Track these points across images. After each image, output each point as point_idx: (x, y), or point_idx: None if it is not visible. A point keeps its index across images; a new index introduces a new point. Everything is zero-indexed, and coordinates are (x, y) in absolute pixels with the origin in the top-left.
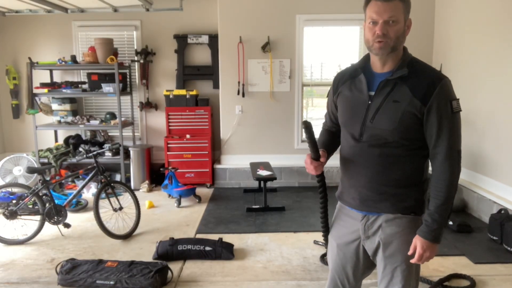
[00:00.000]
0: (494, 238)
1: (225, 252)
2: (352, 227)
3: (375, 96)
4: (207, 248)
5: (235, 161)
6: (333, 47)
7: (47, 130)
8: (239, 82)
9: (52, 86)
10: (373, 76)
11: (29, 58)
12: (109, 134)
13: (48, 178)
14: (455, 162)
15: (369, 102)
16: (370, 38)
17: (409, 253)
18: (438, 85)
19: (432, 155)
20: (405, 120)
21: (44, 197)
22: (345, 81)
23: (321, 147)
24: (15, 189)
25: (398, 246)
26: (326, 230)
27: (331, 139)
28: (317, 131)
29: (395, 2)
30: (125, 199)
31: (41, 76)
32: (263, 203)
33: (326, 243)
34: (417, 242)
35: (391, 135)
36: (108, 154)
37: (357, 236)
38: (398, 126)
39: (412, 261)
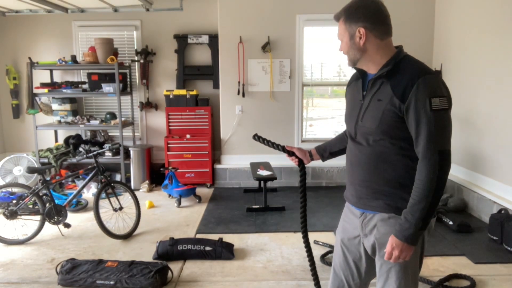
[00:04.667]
0: (494, 238)
1: (225, 252)
2: (354, 223)
3: (365, 96)
4: (207, 248)
5: (235, 161)
6: (333, 47)
7: (47, 130)
8: (239, 82)
9: (52, 86)
10: (367, 77)
11: (29, 58)
12: (109, 134)
13: (48, 178)
14: (432, 162)
15: (362, 102)
16: None
17: (385, 250)
18: (417, 81)
19: (416, 154)
20: (386, 118)
21: (44, 197)
22: (351, 83)
23: (324, 144)
24: (15, 189)
25: None
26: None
27: (336, 142)
28: (319, 131)
29: (340, 21)
30: (125, 199)
31: (41, 76)
32: (263, 203)
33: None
34: (389, 239)
35: (376, 133)
36: (108, 154)
37: (358, 233)
38: (380, 124)
39: (385, 258)
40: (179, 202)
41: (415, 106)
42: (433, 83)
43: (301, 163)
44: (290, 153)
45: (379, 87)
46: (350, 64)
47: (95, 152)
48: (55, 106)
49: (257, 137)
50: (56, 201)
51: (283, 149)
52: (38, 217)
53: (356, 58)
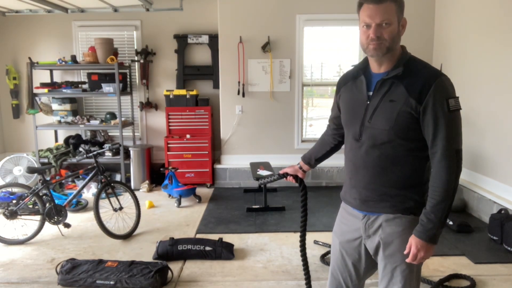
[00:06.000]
0: (494, 238)
1: (225, 252)
2: (354, 226)
3: (373, 96)
4: (207, 248)
5: (235, 161)
6: (333, 47)
7: (47, 130)
8: (239, 82)
9: (52, 86)
10: (372, 77)
11: (29, 58)
12: (109, 134)
13: (48, 178)
14: (452, 162)
15: (368, 102)
16: (364, 41)
17: (405, 252)
18: (434, 83)
19: (430, 155)
20: (401, 119)
21: (44, 197)
22: (347, 82)
23: (310, 154)
24: (15, 189)
25: (398, 246)
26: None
27: (319, 147)
28: (319, 131)
29: (387, 3)
30: (125, 199)
31: (41, 76)
32: (263, 203)
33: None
34: (412, 242)
35: (388, 135)
36: (108, 154)
37: (359, 235)
38: (394, 125)
39: (407, 260)
40: (179, 202)
41: (433, 107)
42: (448, 85)
43: (297, 179)
44: (285, 175)
45: (389, 87)
46: (383, 52)
47: (95, 152)
48: (55, 106)
49: (260, 183)
50: (56, 201)
51: (278, 176)
52: (38, 217)
53: (393, 47)
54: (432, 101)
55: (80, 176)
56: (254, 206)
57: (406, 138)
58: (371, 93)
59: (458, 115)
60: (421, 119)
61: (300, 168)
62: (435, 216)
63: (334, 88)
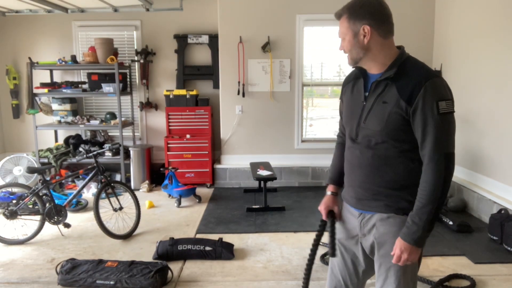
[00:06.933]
0: (494, 238)
1: (225, 252)
2: (352, 224)
3: (368, 97)
4: (207, 248)
5: (235, 161)
6: (333, 47)
7: (47, 130)
8: (239, 82)
9: (52, 86)
10: (369, 78)
11: (29, 58)
12: (109, 134)
13: (48, 178)
14: (440, 165)
15: (364, 103)
16: None
17: (392, 253)
18: (424, 85)
19: (421, 157)
20: (392, 121)
21: (44, 197)
22: (349, 82)
23: (334, 173)
24: (15, 189)
25: (392, 246)
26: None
27: (342, 162)
28: (319, 131)
29: (341, 19)
30: (125, 199)
31: (41, 76)
32: (263, 203)
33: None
34: (397, 243)
35: (380, 135)
36: (108, 154)
37: (356, 233)
38: (385, 127)
39: (393, 261)
40: (179, 202)
41: (422, 109)
42: (440, 87)
43: (331, 215)
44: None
45: (383, 89)
46: (351, 63)
47: (95, 152)
48: (55, 106)
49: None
50: (56, 201)
51: (331, 222)
52: (38, 217)
53: (359, 57)
54: (422, 103)
55: (80, 176)
56: (254, 206)
57: (398, 139)
58: (367, 94)
59: (448, 118)
60: (412, 121)
61: (333, 193)
62: (420, 219)
63: (334, 88)
